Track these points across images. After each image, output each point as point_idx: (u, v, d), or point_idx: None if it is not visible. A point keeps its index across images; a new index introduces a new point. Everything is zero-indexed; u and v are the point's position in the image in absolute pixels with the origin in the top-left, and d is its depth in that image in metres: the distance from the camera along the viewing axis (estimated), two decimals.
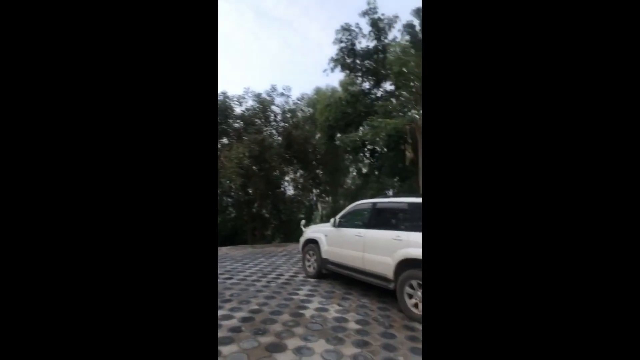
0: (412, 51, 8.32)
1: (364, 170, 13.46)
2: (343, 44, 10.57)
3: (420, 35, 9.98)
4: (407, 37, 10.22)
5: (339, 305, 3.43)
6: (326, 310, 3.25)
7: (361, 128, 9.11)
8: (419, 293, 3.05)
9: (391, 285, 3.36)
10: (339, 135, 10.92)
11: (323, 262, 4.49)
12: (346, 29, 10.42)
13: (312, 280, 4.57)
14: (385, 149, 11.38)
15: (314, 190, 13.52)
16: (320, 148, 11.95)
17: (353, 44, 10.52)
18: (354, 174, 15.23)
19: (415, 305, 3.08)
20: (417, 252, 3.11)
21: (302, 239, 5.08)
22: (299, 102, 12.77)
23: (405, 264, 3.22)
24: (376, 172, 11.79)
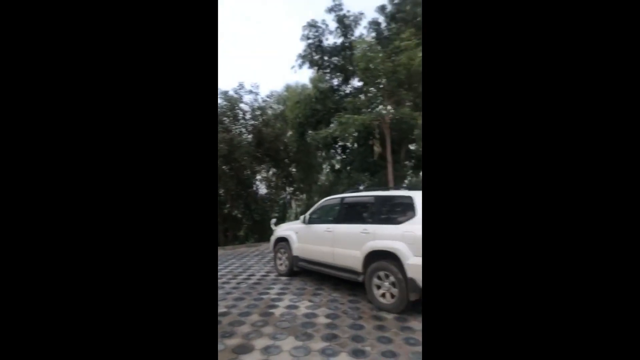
0: (378, 48, 8.47)
1: (337, 167, 13.57)
2: (310, 41, 10.52)
3: (385, 33, 10.19)
4: (373, 34, 10.40)
5: (310, 301, 3.44)
6: (296, 307, 3.24)
7: (332, 125, 9.13)
8: (386, 283, 3.13)
9: (360, 278, 3.42)
10: (310, 132, 10.91)
11: (294, 260, 4.47)
12: (312, 25, 10.36)
13: (283, 278, 4.54)
14: (355, 145, 11.53)
15: (288, 188, 13.42)
16: (292, 145, 11.86)
17: (320, 41, 10.49)
18: (328, 170, 15.32)
19: (383, 295, 3.16)
20: (383, 244, 3.19)
21: (273, 238, 5.03)
22: (268, 99, 12.58)
23: (372, 256, 3.29)
24: (348, 168, 11.93)
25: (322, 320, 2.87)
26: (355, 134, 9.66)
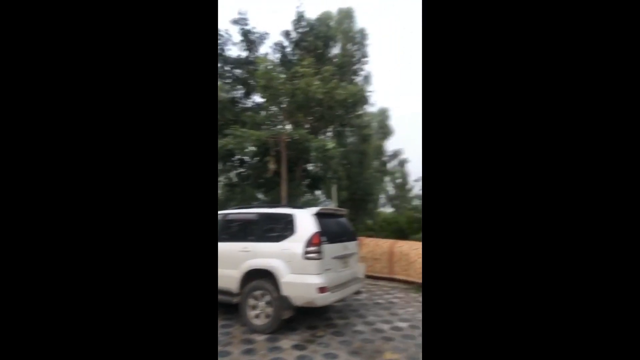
0: (281, 69, 8.77)
1: (234, 180, 12.97)
2: None
3: (289, 57, 10.67)
4: (278, 55, 10.73)
5: None
6: None
7: (228, 137, 8.76)
8: (262, 303, 3.07)
9: (235, 299, 3.24)
10: None
11: None
12: None
13: None
14: (255, 159, 11.35)
15: None
16: None
17: (222, 50, 10.14)
18: (223, 183, 14.46)
19: (257, 316, 3.08)
20: (261, 262, 3.14)
21: None
22: None
23: (250, 275, 3.19)
24: (245, 182, 11.56)
25: None
26: (253, 149, 9.52)
